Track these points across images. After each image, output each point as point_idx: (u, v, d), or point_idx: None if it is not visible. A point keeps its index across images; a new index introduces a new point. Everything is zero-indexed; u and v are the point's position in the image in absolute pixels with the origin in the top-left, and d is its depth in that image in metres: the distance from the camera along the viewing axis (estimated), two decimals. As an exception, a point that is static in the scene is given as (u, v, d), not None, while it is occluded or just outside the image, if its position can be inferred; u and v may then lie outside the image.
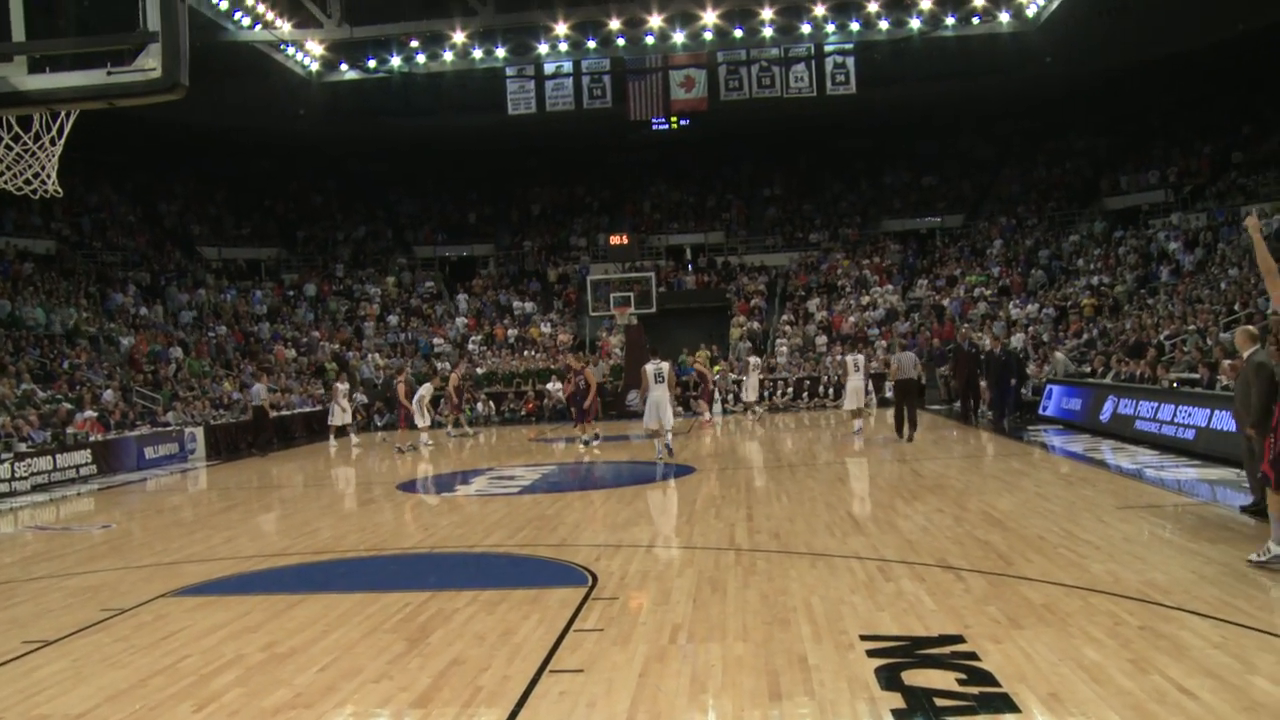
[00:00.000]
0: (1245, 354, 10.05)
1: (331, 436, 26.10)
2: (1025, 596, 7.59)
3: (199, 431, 24.49)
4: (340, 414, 26.08)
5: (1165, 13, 31.57)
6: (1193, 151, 36.59)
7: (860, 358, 22.84)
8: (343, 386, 26.97)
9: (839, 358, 24.99)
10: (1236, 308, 23.30)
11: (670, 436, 18.81)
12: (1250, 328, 10.66)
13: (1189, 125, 37.76)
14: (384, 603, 8.29)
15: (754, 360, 29.09)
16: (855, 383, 21.88)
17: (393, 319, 37.67)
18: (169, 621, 8.07)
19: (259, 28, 30.28)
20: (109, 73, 4.10)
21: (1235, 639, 6.43)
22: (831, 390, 30.00)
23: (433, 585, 9.01)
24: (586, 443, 21.72)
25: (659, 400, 18.43)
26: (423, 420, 23.92)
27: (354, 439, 26.82)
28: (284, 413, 28.19)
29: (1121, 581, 7.92)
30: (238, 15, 29.54)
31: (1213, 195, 33.37)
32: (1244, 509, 10.64)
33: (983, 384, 23.59)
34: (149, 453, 22.62)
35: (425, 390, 24.70)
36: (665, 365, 19.01)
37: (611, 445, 22.31)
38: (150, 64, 4.05)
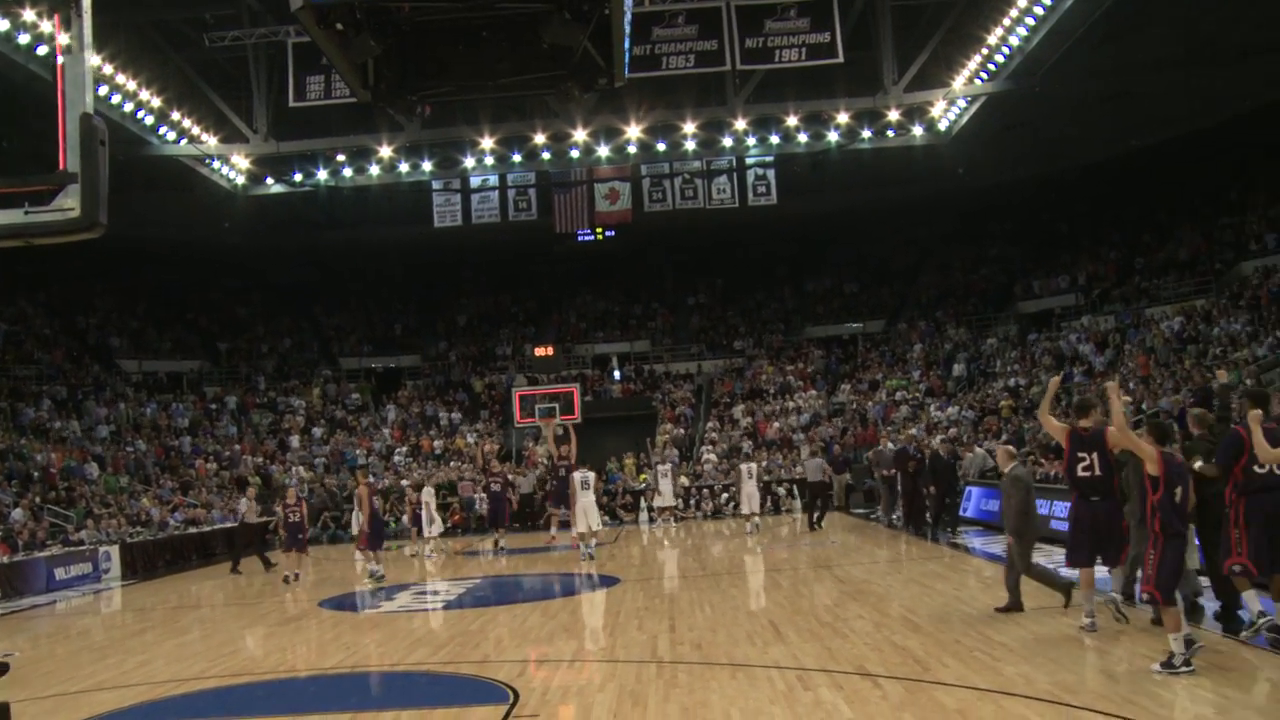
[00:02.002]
0: (1005, 470, 11.47)
1: (422, 547, 24.47)
2: (940, 702, 7.71)
3: (114, 550, 23.76)
4: (430, 524, 23.99)
5: (1067, 129, 33.13)
6: (1099, 257, 37.95)
7: (754, 465, 26.05)
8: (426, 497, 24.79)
9: (739, 466, 26.40)
10: (1144, 406, 24.01)
11: (594, 543, 20.10)
12: (1009, 447, 12.38)
13: (1095, 233, 39.24)
14: (301, 727, 8.18)
15: (662, 468, 29.31)
16: (749, 488, 24.58)
17: (317, 431, 37.29)
18: (78, 752, 7.87)
19: (184, 142, 30.39)
20: (26, 212, 4.20)
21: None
22: (724, 496, 30.66)
23: (353, 706, 8.91)
24: (376, 575, 18.65)
25: (586, 506, 19.86)
26: (431, 528, 23.69)
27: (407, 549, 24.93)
28: (203, 529, 27.67)
29: (1034, 683, 8.09)
30: (163, 130, 29.62)
31: (1119, 298, 34.60)
32: (999, 610, 11.23)
33: (929, 490, 22.30)
34: (59, 573, 21.76)
35: (429, 495, 24.30)
36: (591, 474, 20.40)
37: (538, 557, 22.20)
38: (69, 204, 4.17)
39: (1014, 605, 11.24)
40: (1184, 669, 8.00)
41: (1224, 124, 31.30)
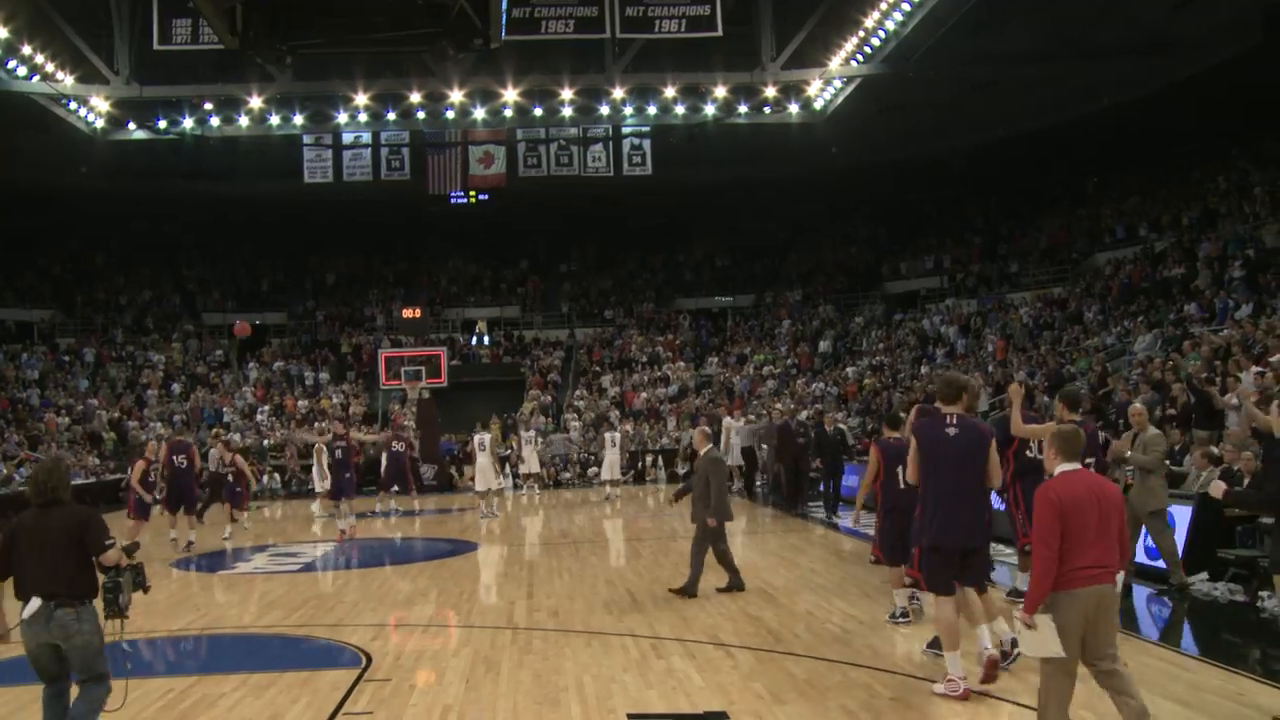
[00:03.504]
0: (702, 452, 11.76)
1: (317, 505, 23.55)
2: (790, 672, 7.91)
3: (-52, 507, 22.62)
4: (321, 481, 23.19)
5: (939, 115, 33.85)
6: (964, 242, 39.04)
7: (617, 434, 26.82)
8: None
9: (603, 434, 26.97)
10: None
11: (496, 500, 21.81)
12: (705, 429, 12.78)
13: (961, 218, 40.33)
14: (145, 689, 7.99)
15: (526, 434, 29.26)
16: (612, 456, 25.28)
17: (176, 387, 36.20)
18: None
19: (36, 79, 28.83)
20: None
21: (972, 706, 6.91)
22: (584, 464, 31.05)
23: (200, 669, 8.75)
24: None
25: (483, 466, 21.34)
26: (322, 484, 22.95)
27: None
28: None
29: (880, 655, 8.38)
30: (11, 64, 27.92)
31: (981, 282, 35.73)
32: (720, 590, 11.52)
33: (817, 465, 21.35)
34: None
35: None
36: (488, 435, 22.11)
37: (403, 520, 22.01)
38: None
39: (734, 584, 11.59)
40: (903, 619, 9.39)
41: (1083, 119, 32.36)
